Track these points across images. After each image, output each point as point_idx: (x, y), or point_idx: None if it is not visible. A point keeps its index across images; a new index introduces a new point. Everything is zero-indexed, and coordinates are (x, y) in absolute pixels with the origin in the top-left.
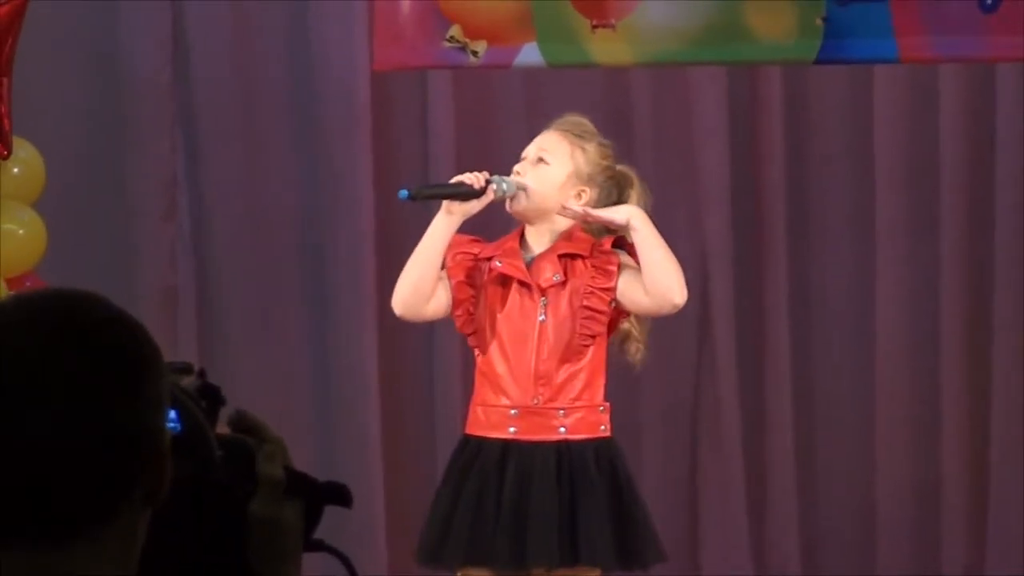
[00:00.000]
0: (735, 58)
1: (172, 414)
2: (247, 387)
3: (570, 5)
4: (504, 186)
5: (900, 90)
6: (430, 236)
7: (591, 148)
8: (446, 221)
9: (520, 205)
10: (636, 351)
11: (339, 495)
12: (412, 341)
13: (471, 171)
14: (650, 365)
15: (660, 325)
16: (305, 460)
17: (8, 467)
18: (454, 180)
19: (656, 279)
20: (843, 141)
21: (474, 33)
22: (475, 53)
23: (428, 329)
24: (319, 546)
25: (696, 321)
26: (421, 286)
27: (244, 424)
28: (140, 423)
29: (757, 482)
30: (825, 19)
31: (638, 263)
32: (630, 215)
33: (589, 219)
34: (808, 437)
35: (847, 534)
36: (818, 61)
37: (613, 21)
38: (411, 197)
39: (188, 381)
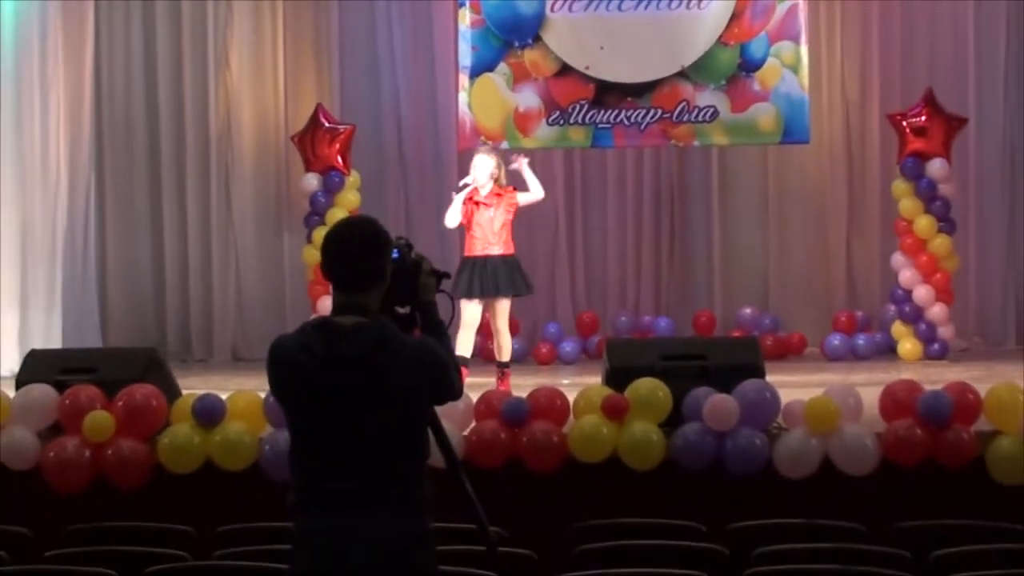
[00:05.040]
0: (568, 144)
1: (396, 252)
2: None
3: (516, 128)
4: (474, 180)
5: (616, 157)
6: (459, 198)
7: (495, 156)
8: (461, 195)
9: (480, 183)
10: None
11: (447, 275)
12: (445, 242)
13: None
14: (525, 233)
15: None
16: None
17: (347, 271)
18: (463, 182)
19: (539, 188)
20: (596, 169)
21: (487, 137)
22: (488, 144)
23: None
24: (442, 291)
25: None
26: (458, 217)
27: (418, 254)
28: (386, 256)
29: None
30: (593, 135)
31: (525, 190)
32: (522, 168)
33: (521, 168)
34: (586, 293)
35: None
36: (591, 146)
37: (529, 133)
38: (461, 188)
39: (402, 242)
